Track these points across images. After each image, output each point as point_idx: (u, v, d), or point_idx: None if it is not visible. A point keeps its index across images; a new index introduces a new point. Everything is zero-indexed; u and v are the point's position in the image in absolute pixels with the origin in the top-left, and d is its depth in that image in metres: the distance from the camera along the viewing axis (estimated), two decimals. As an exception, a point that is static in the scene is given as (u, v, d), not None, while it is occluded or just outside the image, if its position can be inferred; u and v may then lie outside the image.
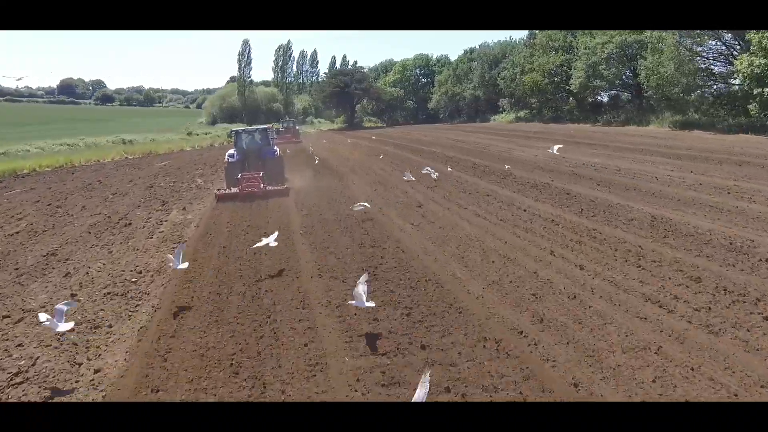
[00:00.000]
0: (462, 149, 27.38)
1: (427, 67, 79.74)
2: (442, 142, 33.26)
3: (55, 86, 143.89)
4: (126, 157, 34.14)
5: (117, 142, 41.03)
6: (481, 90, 61.92)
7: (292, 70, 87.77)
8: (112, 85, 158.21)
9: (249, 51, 79.69)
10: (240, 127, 19.84)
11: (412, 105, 79.87)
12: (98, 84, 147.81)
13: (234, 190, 16.06)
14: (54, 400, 5.12)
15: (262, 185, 16.04)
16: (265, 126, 20.11)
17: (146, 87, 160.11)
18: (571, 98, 46.08)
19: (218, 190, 16.64)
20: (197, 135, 52.34)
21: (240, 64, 79.29)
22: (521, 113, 53.76)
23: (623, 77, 38.71)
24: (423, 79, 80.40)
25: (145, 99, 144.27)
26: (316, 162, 24.43)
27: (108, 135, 44.25)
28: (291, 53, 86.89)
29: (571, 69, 42.28)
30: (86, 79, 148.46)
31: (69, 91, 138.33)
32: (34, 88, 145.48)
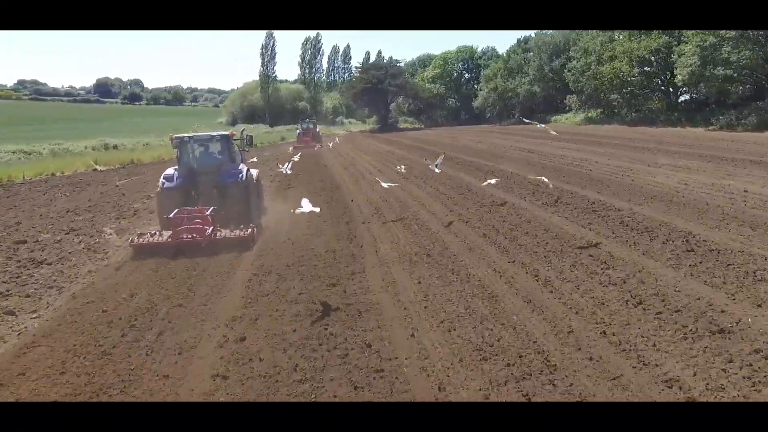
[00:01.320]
0: (544, 167, 18.14)
1: (471, 60, 70.47)
2: (507, 154, 24.08)
3: (91, 85, 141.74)
4: (95, 169, 26.61)
5: (98, 148, 33.69)
6: (538, 85, 52.26)
7: (321, 66, 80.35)
8: (150, 84, 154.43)
9: (273, 44, 72.84)
10: (199, 132, 11.89)
11: (454, 103, 70.82)
12: (135, 83, 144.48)
13: (165, 235, 9.84)
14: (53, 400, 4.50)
15: (209, 230, 9.64)
16: (224, 132, 11.99)
17: (184, 86, 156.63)
18: (676, 94, 35.73)
19: (138, 235, 9.99)
20: (204, 137, 44.81)
21: (263, 59, 72.53)
22: (592, 113, 43.85)
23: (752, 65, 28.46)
24: (466, 74, 71.25)
25: (174, 98, 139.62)
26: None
27: (93, 138, 37.05)
28: (321, 47, 79.36)
29: (672, 55, 32.20)
30: (124, 79, 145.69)
31: (104, 90, 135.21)
32: (77, 87, 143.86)
